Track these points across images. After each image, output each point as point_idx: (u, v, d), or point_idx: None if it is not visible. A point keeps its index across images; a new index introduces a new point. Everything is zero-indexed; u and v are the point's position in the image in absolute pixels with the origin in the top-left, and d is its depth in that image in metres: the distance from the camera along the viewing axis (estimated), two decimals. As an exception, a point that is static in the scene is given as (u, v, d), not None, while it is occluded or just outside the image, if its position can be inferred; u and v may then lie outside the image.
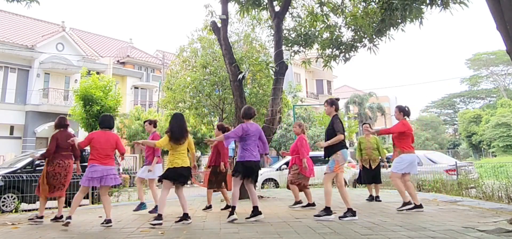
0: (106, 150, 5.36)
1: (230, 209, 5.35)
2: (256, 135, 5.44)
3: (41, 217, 5.93)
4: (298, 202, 6.78)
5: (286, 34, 10.27)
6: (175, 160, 5.24)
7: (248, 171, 5.33)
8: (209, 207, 6.86)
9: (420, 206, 5.75)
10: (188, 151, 5.58)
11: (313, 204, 6.62)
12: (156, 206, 6.31)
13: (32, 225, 5.72)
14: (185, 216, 5.28)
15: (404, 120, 6.10)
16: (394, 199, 7.65)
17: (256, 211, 5.27)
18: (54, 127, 6.17)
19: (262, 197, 8.97)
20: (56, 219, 5.93)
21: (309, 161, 6.71)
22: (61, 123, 6.17)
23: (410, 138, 6.05)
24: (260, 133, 5.52)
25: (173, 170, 5.23)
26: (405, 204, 5.84)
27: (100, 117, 5.84)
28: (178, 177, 5.27)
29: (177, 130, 5.31)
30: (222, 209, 6.74)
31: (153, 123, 7.12)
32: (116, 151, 5.65)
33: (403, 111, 6.15)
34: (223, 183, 6.96)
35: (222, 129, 6.69)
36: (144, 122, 7.40)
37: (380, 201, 7.48)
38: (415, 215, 5.49)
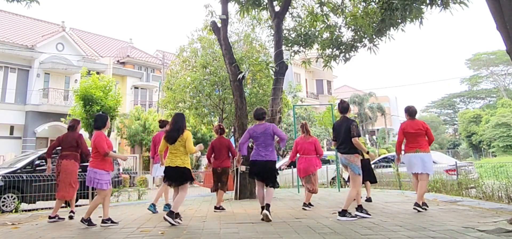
0: (93, 151, 5.40)
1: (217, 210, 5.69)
2: (265, 135, 5.45)
3: (54, 216, 6.02)
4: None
5: (286, 34, 10.28)
6: (167, 159, 5.32)
7: (254, 170, 5.46)
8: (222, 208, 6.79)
9: (417, 204, 5.74)
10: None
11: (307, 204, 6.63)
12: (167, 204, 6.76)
13: (32, 225, 5.73)
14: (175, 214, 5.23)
15: (402, 122, 6.13)
16: (393, 199, 7.65)
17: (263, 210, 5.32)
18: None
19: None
20: (49, 217, 6.00)
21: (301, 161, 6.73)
22: (69, 124, 6.39)
23: (410, 137, 5.94)
24: (271, 131, 5.49)
25: (165, 168, 5.34)
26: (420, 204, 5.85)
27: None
28: (168, 176, 5.32)
29: (169, 131, 5.34)
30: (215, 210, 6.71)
31: (160, 124, 7.21)
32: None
33: (406, 112, 6.14)
34: (220, 184, 6.94)
35: (219, 130, 6.94)
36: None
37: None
38: (415, 215, 5.49)
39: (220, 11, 9.82)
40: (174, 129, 5.27)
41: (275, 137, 5.62)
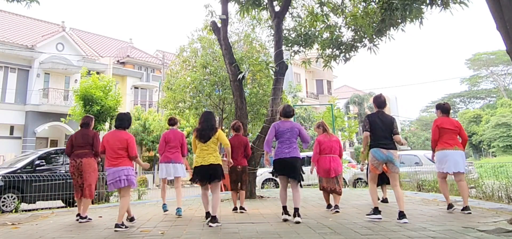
0: (115, 151, 5.10)
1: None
2: (291, 131, 5.32)
3: (78, 215, 5.91)
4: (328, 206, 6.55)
5: (286, 34, 10.28)
6: (196, 158, 5.23)
7: (278, 167, 5.34)
8: (240, 208, 6.73)
9: (466, 208, 5.50)
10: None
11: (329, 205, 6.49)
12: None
13: (33, 225, 5.72)
14: (207, 215, 5.23)
15: (437, 118, 5.94)
16: (393, 199, 7.61)
17: (292, 212, 5.18)
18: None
19: (262, 197, 8.98)
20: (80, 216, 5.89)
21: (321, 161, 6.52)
22: (82, 121, 6.22)
23: (446, 134, 5.70)
24: (297, 130, 5.39)
25: (197, 168, 5.19)
26: (449, 206, 5.65)
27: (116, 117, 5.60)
28: (200, 174, 5.15)
29: (204, 128, 5.23)
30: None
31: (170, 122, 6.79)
32: None
33: (440, 109, 5.98)
34: (240, 183, 6.88)
35: (237, 127, 6.92)
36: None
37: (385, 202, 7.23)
38: (415, 215, 5.49)
39: (220, 11, 9.83)
40: (208, 127, 5.21)
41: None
